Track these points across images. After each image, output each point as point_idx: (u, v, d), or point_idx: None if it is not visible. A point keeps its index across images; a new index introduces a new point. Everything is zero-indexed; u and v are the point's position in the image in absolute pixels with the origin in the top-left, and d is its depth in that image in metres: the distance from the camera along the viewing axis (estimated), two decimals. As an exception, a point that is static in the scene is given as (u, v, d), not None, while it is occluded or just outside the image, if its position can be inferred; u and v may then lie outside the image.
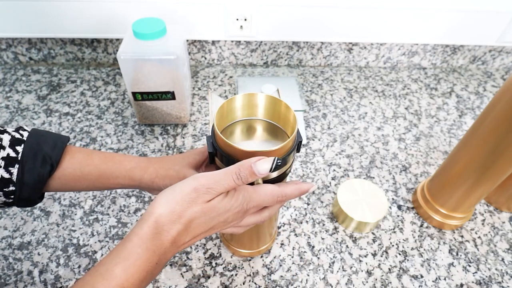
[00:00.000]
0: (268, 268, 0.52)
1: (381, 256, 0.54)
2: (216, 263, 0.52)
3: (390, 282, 0.51)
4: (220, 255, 0.53)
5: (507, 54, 0.90)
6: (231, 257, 0.53)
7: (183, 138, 0.70)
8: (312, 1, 0.77)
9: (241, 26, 0.80)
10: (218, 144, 0.35)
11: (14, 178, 0.37)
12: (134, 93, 0.65)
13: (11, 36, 0.81)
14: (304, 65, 0.90)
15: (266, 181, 0.36)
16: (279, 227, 0.57)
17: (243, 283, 0.50)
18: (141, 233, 0.30)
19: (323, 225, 0.57)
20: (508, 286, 0.51)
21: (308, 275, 0.51)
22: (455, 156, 0.53)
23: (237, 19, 0.79)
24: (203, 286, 0.50)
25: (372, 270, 0.52)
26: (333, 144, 0.70)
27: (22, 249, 0.52)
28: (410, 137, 0.73)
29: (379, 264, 0.53)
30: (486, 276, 0.52)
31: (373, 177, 0.65)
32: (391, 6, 0.79)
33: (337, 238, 0.56)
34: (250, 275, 0.51)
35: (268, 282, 0.50)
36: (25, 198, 0.38)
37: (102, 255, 0.52)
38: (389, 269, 0.52)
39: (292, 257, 0.53)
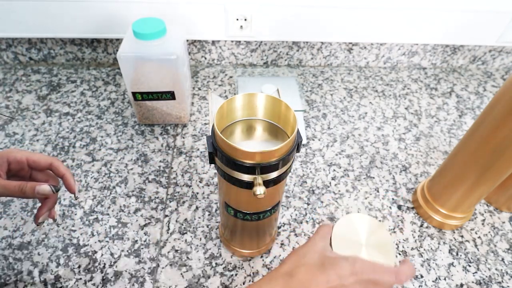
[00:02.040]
0: (268, 268, 0.52)
1: (381, 256, 0.54)
2: (216, 263, 0.52)
3: (390, 282, 0.51)
4: (220, 255, 0.53)
5: (507, 54, 0.90)
6: (231, 257, 0.53)
7: (183, 138, 0.70)
8: (312, 1, 0.77)
9: (241, 26, 0.80)
10: (218, 144, 0.35)
11: None
12: (134, 93, 0.65)
13: (11, 36, 0.81)
14: (304, 65, 0.90)
15: (266, 181, 0.36)
16: (279, 227, 0.57)
17: (243, 283, 0.50)
18: None
19: (323, 225, 0.57)
20: (508, 286, 0.51)
21: (308, 275, 0.51)
22: (455, 156, 0.53)
23: (237, 19, 0.79)
24: (203, 286, 0.50)
25: (372, 270, 0.52)
26: (333, 144, 0.70)
27: (22, 249, 0.52)
28: (410, 137, 0.73)
29: (379, 264, 0.53)
30: (486, 276, 0.52)
31: (373, 177, 0.65)
32: (391, 6, 0.79)
33: (337, 238, 0.56)
34: (250, 275, 0.51)
35: (268, 282, 0.50)
36: None
37: (102, 255, 0.52)
38: (389, 269, 0.52)
39: (292, 257, 0.53)
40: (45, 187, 0.40)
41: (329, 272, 0.32)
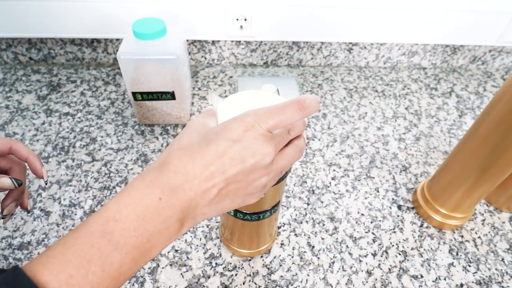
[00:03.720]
0: (268, 268, 0.52)
1: (381, 256, 0.54)
2: (216, 263, 0.52)
3: (390, 282, 0.51)
4: (220, 255, 0.53)
5: (507, 54, 0.90)
6: (231, 257, 0.53)
7: (183, 138, 0.70)
8: (312, 1, 0.77)
9: (241, 26, 0.80)
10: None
11: None
12: (134, 93, 0.65)
13: (11, 36, 0.81)
14: (304, 65, 0.90)
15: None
16: (279, 227, 0.57)
17: (243, 283, 0.50)
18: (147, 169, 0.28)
19: (323, 225, 0.57)
20: (508, 286, 0.51)
21: (308, 275, 0.51)
22: (455, 156, 0.53)
23: (237, 19, 0.79)
24: (203, 286, 0.50)
25: (372, 270, 0.52)
26: (333, 144, 0.70)
27: (22, 249, 0.52)
28: (410, 137, 0.73)
29: (379, 264, 0.53)
30: (486, 276, 0.52)
31: (373, 177, 0.65)
32: (391, 6, 0.79)
33: (337, 238, 0.56)
34: (250, 275, 0.51)
35: (268, 282, 0.50)
36: None
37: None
38: (389, 269, 0.52)
39: (292, 257, 0.53)
40: (4, 180, 0.36)
41: (212, 146, 0.27)
